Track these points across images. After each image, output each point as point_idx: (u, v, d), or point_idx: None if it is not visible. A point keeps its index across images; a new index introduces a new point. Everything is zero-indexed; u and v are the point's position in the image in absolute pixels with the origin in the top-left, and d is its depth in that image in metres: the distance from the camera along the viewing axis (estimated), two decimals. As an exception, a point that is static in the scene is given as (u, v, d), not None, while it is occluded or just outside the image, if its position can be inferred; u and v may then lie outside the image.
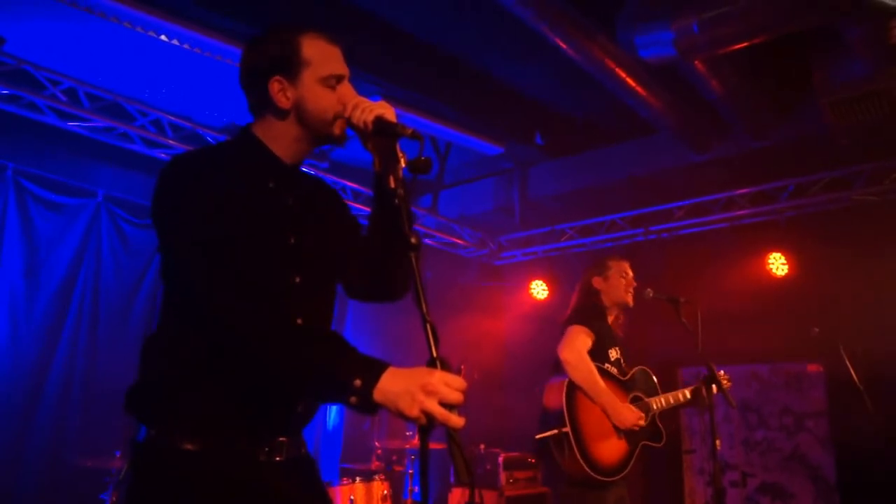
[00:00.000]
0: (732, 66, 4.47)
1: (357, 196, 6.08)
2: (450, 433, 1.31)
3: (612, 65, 4.36)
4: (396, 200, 1.54)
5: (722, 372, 3.57)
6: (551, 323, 3.95)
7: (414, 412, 1.33)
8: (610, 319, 3.63)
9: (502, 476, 5.53)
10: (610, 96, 4.85)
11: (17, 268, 4.87)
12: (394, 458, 5.58)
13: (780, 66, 4.82)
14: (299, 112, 1.68)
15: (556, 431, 3.24)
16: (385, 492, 4.62)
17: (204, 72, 4.73)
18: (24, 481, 4.66)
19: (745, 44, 3.90)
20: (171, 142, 5.06)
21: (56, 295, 5.04)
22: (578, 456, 3.18)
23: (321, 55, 1.67)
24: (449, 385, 1.34)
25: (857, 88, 4.32)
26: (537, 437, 3.34)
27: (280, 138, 1.71)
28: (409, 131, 1.58)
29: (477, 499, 5.14)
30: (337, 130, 1.70)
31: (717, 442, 3.25)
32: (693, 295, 3.54)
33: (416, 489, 5.26)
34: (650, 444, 3.52)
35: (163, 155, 5.12)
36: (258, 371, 1.47)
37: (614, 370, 3.51)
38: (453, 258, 7.38)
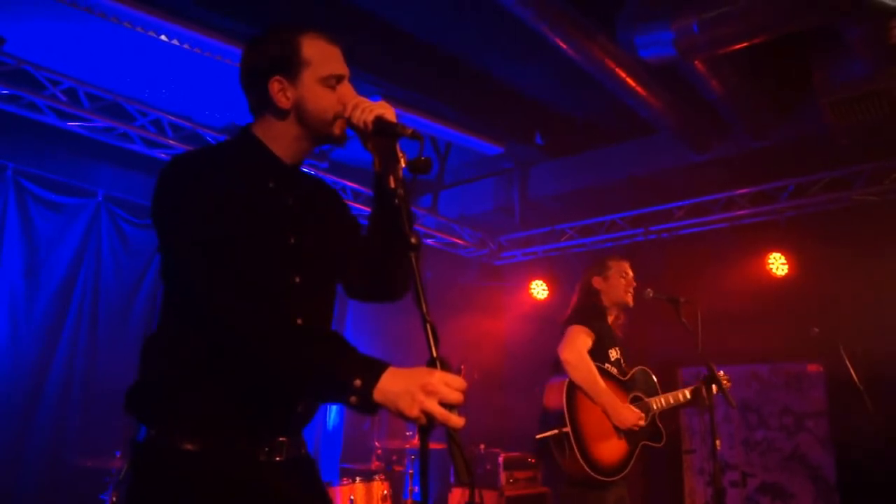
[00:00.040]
0: (732, 66, 4.47)
1: (357, 196, 6.08)
2: (450, 433, 1.31)
3: (612, 65, 4.36)
4: (396, 200, 1.54)
5: (722, 372, 3.57)
6: (551, 323, 3.95)
7: (414, 412, 1.33)
8: (610, 319, 3.63)
9: (502, 476, 5.53)
10: (610, 96, 4.85)
11: (17, 268, 4.87)
12: (394, 458, 5.58)
13: (780, 66, 4.82)
14: (299, 112, 1.68)
15: (556, 431, 3.24)
16: (385, 492, 4.62)
17: (204, 72, 4.73)
18: (24, 481, 4.66)
19: (745, 44, 3.90)
20: (171, 142, 5.07)
21: (56, 295, 5.04)
22: (578, 456, 3.18)
23: (321, 55, 1.67)
24: (449, 385, 1.34)
25: (857, 88, 4.32)
26: (537, 437, 3.34)
27: (280, 138, 1.71)
28: (409, 131, 1.58)
29: (477, 499, 5.14)
30: (337, 130, 1.70)
31: (717, 442, 3.24)
32: (693, 295, 3.54)
33: (416, 489, 5.26)
34: (650, 444, 3.52)
35: (163, 155, 5.12)
36: (258, 371, 1.47)
37: (614, 370, 3.51)
38: (453, 258, 7.38)
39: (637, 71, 4.49)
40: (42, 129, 4.77)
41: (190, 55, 4.45)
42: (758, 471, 5.61)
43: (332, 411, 6.62)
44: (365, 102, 1.65)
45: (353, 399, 1.38)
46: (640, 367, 3.66)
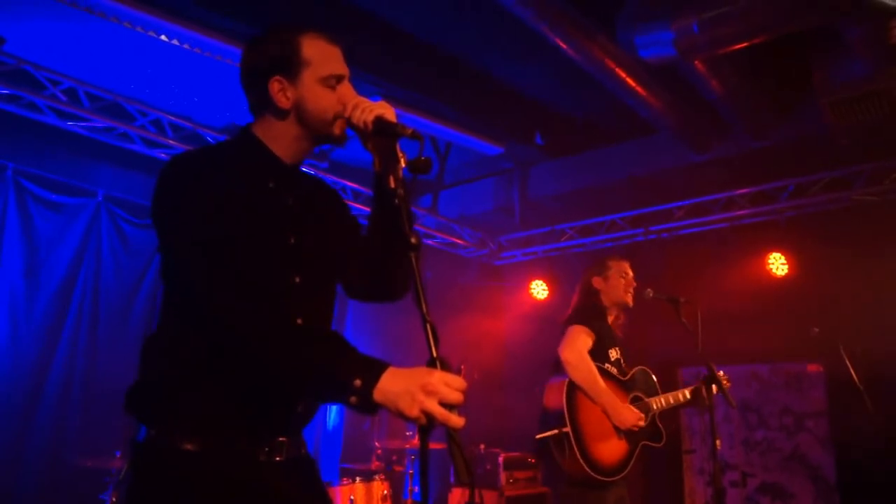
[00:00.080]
0: (732, 66, 4.47)
1: (357, 196, 6.08)
2: (450, 433, 1.31)
3: (612, 65, 4.36)
4: (396, 200, 1.54)
5: (722, 372, 3.57)
6: (551, 323, 3.95)
7: (414, 412, 1.33)
8: (610, 319, 3.63)
9: (502, 476, 5.53)
10: (610, 96, 4.85)
11: (17, 268, 4.87)
12: (394, 458, 5.58)
13: (780, 66, 4.82)
14: (299, 112, 1.68)
15: (556, 431, 3.24)
16: (385, 492, 4.62)
17: (204, 72, 4.73)
18: (24, 481, 4.66)
19: (745, 44, 3.90)
20: (171, 142, 5.07)
21: (56, 295, 5.04)
22: (578, 456, 3.18)
23: (321, 55, 1.67)
24: (449, 385, 1.33)
25: (857, 88, 4.32)
26: (537, 437, 3.34)
27: (280, 138, 1.71)
28: (409, 131, 1.58)
29: (477, 499, 5.14)
30: (337, 130, 1.70)
31: (717, 442, 3.24)
32: (693, 295, 3.54)
33: (416, 489, 5.26)
34: (650, 444, 3.52)
35: (163, 155, 5.12)
36: (258, 371, 1.47)
37: (614, 370, 3.51)
38: (453, 258, 7.38)
39: (637, 71, 4.49)
40: (42, 129, 4.77)
41: (190, 55, 4.45)
42: (758, 471, 5.61)
43: (332, 411, 6.62)
44: (365, 102, 1.65)
45: (353, 399, 1.38)
46: (640, 367, 3.66)
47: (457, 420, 1.32)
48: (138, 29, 4.14)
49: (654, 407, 3.57)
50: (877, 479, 4.82)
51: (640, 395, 3.57)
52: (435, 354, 1.35)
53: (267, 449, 1.60)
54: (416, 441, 4.85)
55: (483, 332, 7.14)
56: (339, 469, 6.14)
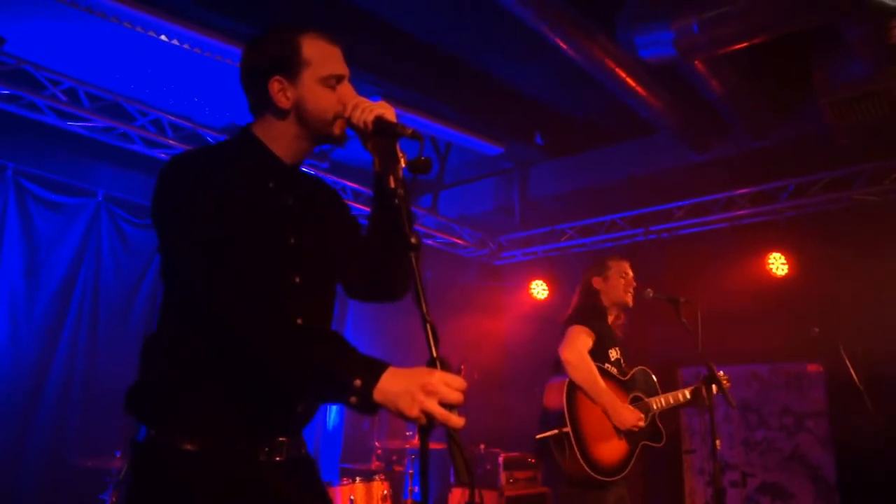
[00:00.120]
0: (732, 66, 4.47)
1: (357, 196, 6.08)
2: (450, 433, 1.31)
3: (612, 65, 4.36)
4: (396, 200, 1.54)
5: (722, 372, 3.57)
6: (551, 323, 3.95)
7: (414, 412, 1.33)
8: (610, 319, 3.63)
9: (502, 476, 5.53)
10: (610, 96, 4.85)
11: (17, 268, 4.87)
12: (394, 458, 5.58)
13: (780, 66, 4.82)
14: (299, 112, 1.68)
15: (556, 431, 3.24)
16: (385, 492, 4.62)
17: (204, 72, 4.73)
18: (24, 481, 4.66)
19: (745, 44, 3.90)
20: (171, 142, 5.07)
21: (56, 295, 5.04)
22: (579, 456, 3.18)
23: (321, 55, 1.67)
24: (449, 385, 1.33)
25: (857, 88, 4.32)
26: (537, 437, 3.34)
27: (280, 138, 1.71)
28: (409, 131, 1.58)
29: (477, 499, 5.14)
30: (337, 130, 1.70)
31: (717, 442, 3.24)
32: (693, 295, 3.54)
33: (416, 489, 5.26)
34: (650, 444, 3.52)
35: (163, 155, 5.12)
36: (258, 371, 1.47)
37: (614, 370, 3.51)
38: (453, 258, 7.38)
39: (637, 71, 4.49)
40: (42, 129, 4.77)
41: (190, 55, 4.45)
42: (758, 471, 5.61)
43: (332, 411, 6.62)
44: (365, 102, 1.65)
45: (353, 399, 1.37)
46: (640, 367, 3.66)
47: (457, 420, 1.32)
48: (138, 29, 4.14)
49: (654, 407, 3.57)
50: (877, 479, 4.82)
51: (640, 395, 3.57)
52: (435, 354, 1.35)
53: (267, 449, 1.59)
54: (416, 441, 4.85)
55: (483, 332, 7.14)
56: (339, 469, 6.14)
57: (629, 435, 3.38)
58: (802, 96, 5.09)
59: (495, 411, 6.59)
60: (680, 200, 6.21)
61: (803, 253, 5.69)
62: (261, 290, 1.56)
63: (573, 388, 3.32)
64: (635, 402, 3.52)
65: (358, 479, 4.54)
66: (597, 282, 3.64)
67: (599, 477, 3.21)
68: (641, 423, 3.39)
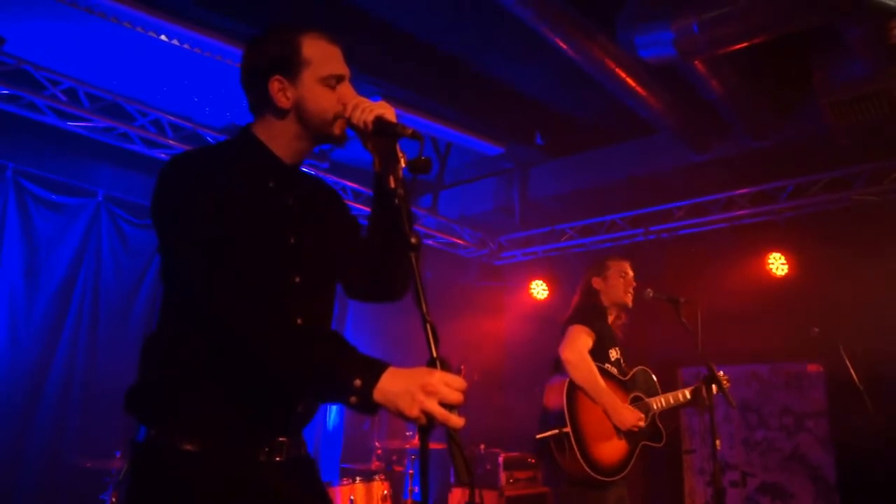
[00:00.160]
0: (732, 66, 4.47)
1: (357, 196, 6.08)
2: (450, 433, 1.31)
3: (612, 65, 4.36)
4: (396, 200, 1.54)
5: (722, 372, 3.57)
6: (551, 323, 3.95)
7: (414, 412, 1.33)
8: (610, 319, 3.63)
9: (502, 476, 5.53)
10: (610, 96, 4.84)
11: (17, 268, 4.87)
12: (394, 458, 5.58)
13: (780, 66, 4.82)
14: (299, 112, 1.68)
15: (556, 431, 3.24)
16: (385, 492, 4.62)
17: (204, 72, 4.73)
18: (24, 481, 4.66)
19: (745, 44, 3.90)
20: (171, 142, 5.07)
21: (56, 295, 5.04)
22: (579, 456, 3.18)
23: (321, 55, 1.67)
24: (449, 385, 1.33)
25: (857, 88, 4.32)
26: (538, 436, 3.34)
27: (280, 138, 1.71)
28: (409, 131, 1.58)
29: (477, 499, 5.14)
30: (337, 130, 1.70)
31: (717, 442, 3.25)
32: (693, 295, 3.54)
33: (416, 489, 5.26)
34: (650, 444, 3.52)
35: (163, 155, 5.12)
36: (258, 371, 1.47)
37: (614, 370, 3.51)
38: (453, 258, 7.38)
39: (637, 71, 4.49)
40: (42, 129, 4.77)
41: (190, 55, 4.45)
42: (758, 471, 5.61)
43: (332, 411, 6.62)
44: (365, 102, 1.65)
45: (353, 399, 1.37)
46: (640, 367, 3.66)
47: (457, 420, 1.32)
48: (138, 29, 4.14)
49: (655, 407, 3.57)
50: (877, 479, 4.82)
51: (640, 395, 3.57)
52: (435, 354, 1.35)
53: (267, 449, 1.59)
54: (416, 441, 4.85)
55: (483, 333, 7.14)
56: (339, 469, 6.14)
57: (629, 435, 3.38)
58: (802, 96, 5.09)
59: (495, 411, 6.59)
60: (680, 200, 6.21)
61: (803, 253, 5.69)
62: (261, 290, 1.56)
63: (573, 388, 3.32)
64: (635, 402, 3.52)
65: (358, 479, 4.54)
66: (596, 282, 3.64)
67: (599, 477, 3.21)
68: (642, 424, 3.39)
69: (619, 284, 3.61)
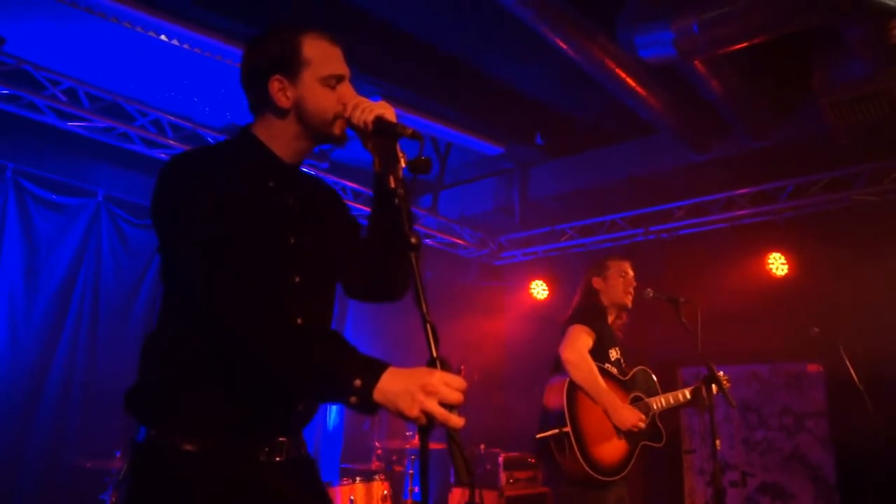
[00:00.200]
0: (732, 66, 4.47)
1: (357, 196, 6.08)
2: (450, 433, 1.31)
3: (612, 65, 4.36)
4: (396, 200, 1.54)
5: (722, 372, 3.57)
6: (551, 323, 3.95)
7: (414, 412, 1.33)
8: (610, 319, 3.63)
9: (502, 476, 5.53)
10: (610, 96, 4.84)
11: (17, 268, 4.87)
12: (394, 458, 5.58)
13: (780, 66, 4.82)
14: (299, 111, 1.68)
15: (556, 431, 3.24)
16: (385, 492, 4.62)
17: (204, 72, 4.73)
18: (24, 481, 4.66)
19: (745, 44, 3.90)
20: (171, 142, 5.07)
21: (56, 295, 5.04)
22: (579, 455, 3.18)
23: (322, 55, 1.67)
24: (449, 385, 1.33)
25: (857, 88, 4.32)
26: (538, 436, 3.34)
27: (280, 137, 1.71)
28: (409, 131, 1.58)
29: (477, 499, 5.14)
30: (337, 130, 1.70)
31: (717, 442, 3.25)
32: (693, 295, 3.54)
33: (416, 489, 5.26)
34: (650, 444, 3.52)
35: (163, 155, 5.12)
36: (258, 371, 1.47)
37: (614, 370, 3.51)
38: (453, 258, 7.38)
39: (637, 71, 4.49)
40: (42, 129, 4.77)
41: (190, 55, 4.45)
42: (758, 471, 5.61)
43: (332, 411, 6.62)
44: (365, 102, 1.65)
45: (353, 399, 1.37)
46: (640, 367, 3.66)
47: (457, 420, 1.32)
48: (138, 29, 4.14)
49: (655, 407, 3.57)
50: (877, 479, 4.82)
51: (640, 395, 3.57)
52: (435, 354, 1.35)
53: (267, 449, 1.59)
54: (416, 441, 4.85)
55: (483, 333, 7.14)
56: (339, 469, 6.14)
57: (629, 435, 3.38)
58: (802, 96, 5.09)
59: (495, 411, 6.59)
60: (680, 200, 6.21)
61: (803, 253, 5.69)
62: (261, 290, 1.56)
63: (573, 388, 3.32)
64: (635, 402, 3.52)
65: (358, 479, 4.54)
66: (597, 282, 3.64)
67: (599, 476, 3.21)
68: (642, 424, 3.39)
69: (619, 284, 3.61)
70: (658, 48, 3.97)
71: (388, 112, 1.62)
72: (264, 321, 1.45)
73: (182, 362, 1.57)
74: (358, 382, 1.36)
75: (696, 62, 4.25)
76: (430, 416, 1.32)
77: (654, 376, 3.69)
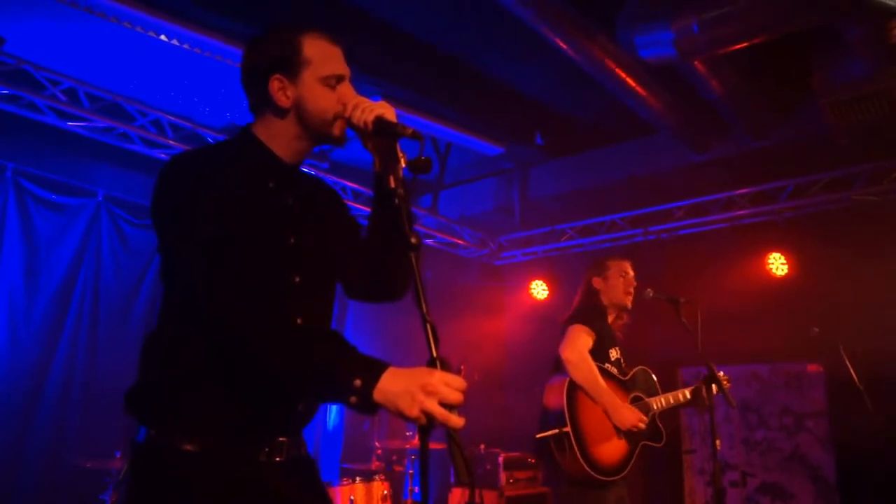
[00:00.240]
0: (732, 66, 4.47)
1: (357, 196, 6.08)
2: (450, 433, 1.31)
3: (612, 65, 4.36)
4: (396, 200, 1.54)
5: (722, 372, 3.57)
6: (551, 323, 3.95)
7: (414, 412, 1.33)
8: (610, 319, 3.63)
9: (502, 476, 5.53)
10: (610, 96, 4.84)
11: (17, 268, 4.87)
12: (394, 458, 5.58)
13: (780, 66, 4.82)
14: (299, 111, 1.68)
15: (556, 431, 3.24)
16: (385, 492, 4.62)
17: (204, 72, 4.73)
18: (24, 481, 4.66)
19: (745, 44, 3.90)
20: (171, 142, 5.07)
21: (56, 295, 5.04)
22: (579, 455, 3.18)
23: (322, 55, 1.67)
24: (449, 385, 1.33)
25: (857, 88, 4.32)
26: (538, 436, 3.34)
27: (280, 137, 1.71)
28: (409, 131, 1.58)
29: (477, 499, 5.14)
30: (337, 131, 1.70)
31: (717, 442, 3.25)
32: (693, 295, 3.54)
33: (416, 489, 5.26)
34: (650, 443, 3.52)
35: (163, 155, 5.12)
36: (258, 371, 1.47)
37: (614, 370, 3.51)
38: (453, 258, 7.38)
39: (637, 71, 4.49)
40: (42, 129, 4.77)
41: (190, 55, 4.45)
42: (758, 471, 5.61)
43: (332, 411, 6.62)
44: (365, 102, 1.65)
45: (353, 399, 1.37)
46: (640, 367, 3.66)
47: (457, 420, 1.32)
48: (138, 29, 4.14)
49: (655, 407, 3.57)
50: (877, 479, 4.82)
51: (640, 395, 3.57)
52: (435, 354, 1.35)
53: (267, 449, 1.59)
54: (416, 441, 4.85)
55: (483, 333, 7.14)
56: (339, 469, 6.14)
57: (629, 435, 3.38)
58: (802, 96, 5.09)
59: (495, 411, 6.59)
60: (680, 200, 6.21)
61: (803, 253, 5.69)
62: (261, 290, 1.56)
63: (573, 388, 3.32)
64: (635, 401, 3.52)
65: (358, 479, 4.54)
66: (597, 282, 3.64)
67: (599, 476, 3.21)
68: (642, 424, 3.39)
69: (620, 284, 3.61)
70: (658, 48, 3.97)
71: (389, 112, 1.62)
72: (264, 321, 1.45)
73: (182, 362, 1.57)
74: (358, 382, 1.36)
75: (696, 62, 4.25)
76: (430, 416, 1.32)
77: (654, 376, 3.69)
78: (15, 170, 4.93)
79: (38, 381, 4.85)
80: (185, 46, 4.34)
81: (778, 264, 5.81)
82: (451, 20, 4.50)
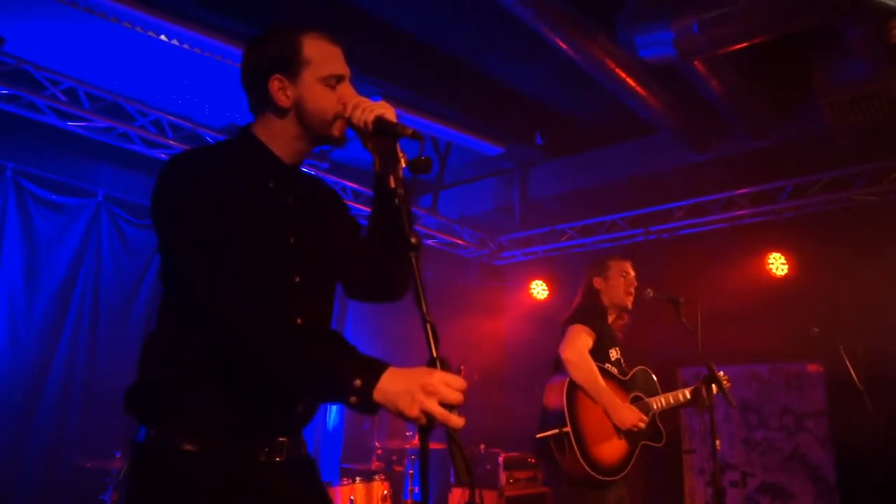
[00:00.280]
0: (732, 66, 4.47)
1: (357, 196, 6.08)
2: (450, 433, 1.31)
3: (612, 65, 4.36)
4: (396, 200, 1.54)
5: (722, 372, 3.57)
6: (551, 323, 3.95)
7: (414, 412, 1.33)
8: (610, 319, 3.62)
9: (502, 476, 5.53)
10: (610, 96, 4.84)
11: (17, 268, 4.87)
12: (394, 458, 5.58)
13: (780, 66, 4.82)
14: (299, 111, 1.68)
15: (556, 431, 3.24)
16: (385, 492, 4.62)
17: (204, 72, 4.73)
18: (24, 481, 4.66)
19: (745, 44, 3.90)
20: (171, 142, 5.07)
21: (56, 295, 5.04)
22: (579, 455, 3.18)
23: (322, 55, 1.67)
24: (449, 385, 1.33)
25: (857, 88, 4.32)
26: (538, 436, 3.34)
27: (280, 137, 1.71)
28: (409, 131, 1.58)
29: (477, 499, 5.13)
30: (337, 131, 1.70)
31: (717, 442, 3.24)
32: (693, 295, 3.54)
33: (416, 489, 5.26)
34: (650, 443, 3.52)
35: (163, 155, 5.12)
36: (258, 371, 1.47)
37: (615, 370, 3.51)
38: (453, 258, 7.38)
39: (637, 71, 4.49)
40: (42, 129, 4.77)
41: (190, 55, 4.45)
42: (758, 471, 5.61)
43: (332, 411, 6.62)
44: (365, 102, 1.65)
45: (353, 399, 1.37)
46: (640, 367, 3.66)
47: (457, 420, 1.32)
48: (138, 29, 4.14)
49: (655, 407, 3.57)
50: (877, 479, 4.82)
51: (640, 394, 3.57)
52: (435, 354, 1.35)
53: (267, 449, 1.59)
54: (416, 441, 4.85)
55: (483, 333, 7.14)
56: (339, 469, 6.14)
57: (629, 435, 3.38)
58: (802, 96, 5.09)
59: (495, 411, 6.59)
60: (680, 200, 6.21)
61: (803, 253, 5.69)
62: (261, 290, 1.56)
63: (573, 388, 3.32)
64: (635, 401, 3.52)
65: (358, 479, 4.54)
66: (597, 282, 3.64)
67: (599, 476, 3.21)
68: (642, 424, 3.39)
69: (620, 284, 3.61)
70: (658, 48, 3.97)
71: (389, 112, 1.62)
72: (264, 321, 1.45)
73: (182, 362, 1.57)
74: (358, 382, 1.36)
75: (696, 62, 4.25)
76: (430, 416, 1.32)
77: (654, 376, 3.69)
78: (15, 170, 4.93)
79: (38, 381, 4.85)
80: (186, 46, 4.34)
81: (778, 264, 5.82)
82: (451, 20, 4.50)
